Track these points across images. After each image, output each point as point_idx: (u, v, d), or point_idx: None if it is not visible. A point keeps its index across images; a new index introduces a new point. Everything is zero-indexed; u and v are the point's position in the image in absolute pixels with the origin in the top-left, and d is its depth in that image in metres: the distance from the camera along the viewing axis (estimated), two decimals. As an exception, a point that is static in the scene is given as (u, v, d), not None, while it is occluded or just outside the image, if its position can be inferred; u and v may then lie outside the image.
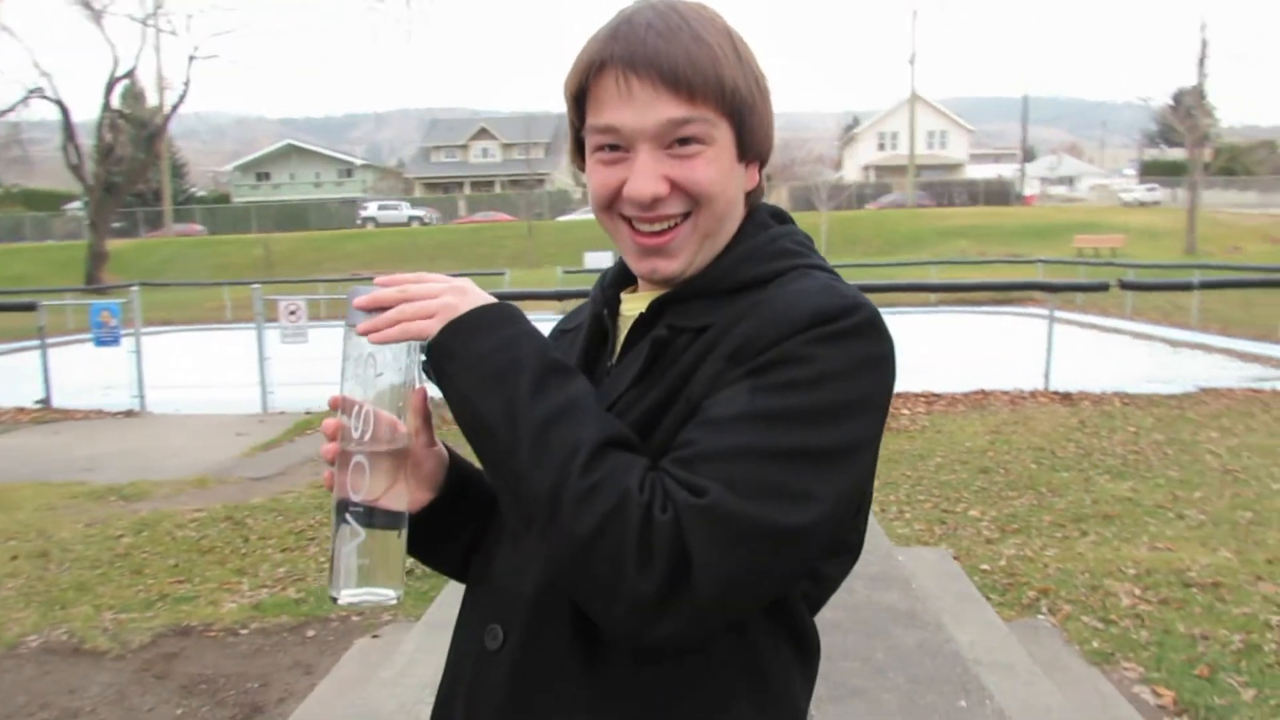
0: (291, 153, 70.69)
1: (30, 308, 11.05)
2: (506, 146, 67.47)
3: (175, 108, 34.04)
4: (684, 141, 0.94)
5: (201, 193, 69.46)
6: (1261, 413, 8.58)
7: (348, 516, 0.91)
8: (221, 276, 30.60)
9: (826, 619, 1.06)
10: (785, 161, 49.29)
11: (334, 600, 0.92)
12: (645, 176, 0.94)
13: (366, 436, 0.91)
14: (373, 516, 0.92)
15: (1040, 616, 4.09)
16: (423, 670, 2.73)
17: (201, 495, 6.48)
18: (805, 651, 1.02)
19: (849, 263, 22.41)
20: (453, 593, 3.60)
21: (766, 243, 1.01)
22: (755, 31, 0.98)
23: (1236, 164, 49.92)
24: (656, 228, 0.97)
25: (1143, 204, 50.03)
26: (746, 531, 0.81)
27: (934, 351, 12.28)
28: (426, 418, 1.02)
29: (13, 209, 54.31)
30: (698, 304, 0.99)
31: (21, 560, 5.11)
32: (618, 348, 1.06)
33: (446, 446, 1.09)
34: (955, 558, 4.82)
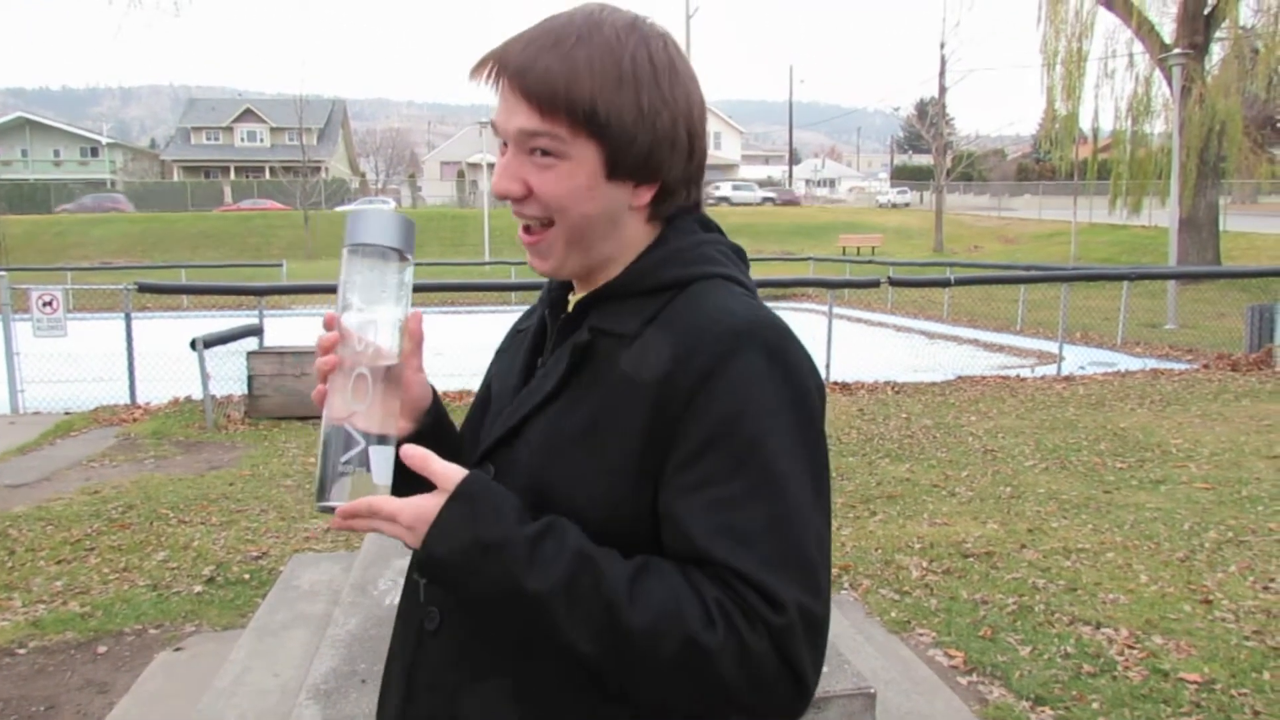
0: (24, 126, 63.83)
1: None
2: (276, 130, 63.85)
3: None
4: (539, 151, 0.96)
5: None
6: (1010, 397, 9.53)
7: (345, 427, 0.91)
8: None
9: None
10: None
11: (329, 510, 0.91)
12: (503, 174, 0.98)
13: (367, 351, 0.93)
14: (368, 431, 0.92)
15: (844, 591, 4.39)
16: (258, 678, 2.59)
17: (-52, 507, 5.79)
18: None
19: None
20: (276, 598, 3.42)
21: (689, 248, 1.03)
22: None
23: (972, 170, 54.85)
24: (527, 224, 1.01)
25: (895, 206, 54.07)
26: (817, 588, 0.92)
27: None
28: (419, 342, 1.03)
29: None
30: (618, 304, 1.01)
31: None
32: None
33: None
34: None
